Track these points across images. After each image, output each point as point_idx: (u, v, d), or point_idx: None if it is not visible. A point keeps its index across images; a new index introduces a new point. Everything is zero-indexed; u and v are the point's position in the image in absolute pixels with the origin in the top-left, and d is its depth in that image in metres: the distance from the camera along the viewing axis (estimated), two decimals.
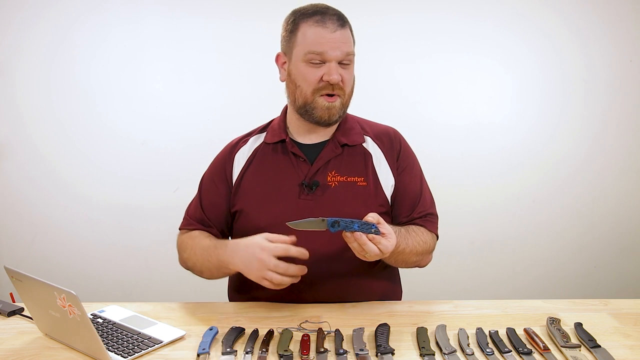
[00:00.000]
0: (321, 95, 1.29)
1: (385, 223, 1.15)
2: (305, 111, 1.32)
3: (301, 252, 1.19)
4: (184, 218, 1.47)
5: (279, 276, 1.16)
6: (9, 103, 2.48)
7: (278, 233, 1.29)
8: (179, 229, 1.47)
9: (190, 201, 1.49)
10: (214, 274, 1.33)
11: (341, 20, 1.29)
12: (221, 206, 1.41)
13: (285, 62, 1.35)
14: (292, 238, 1.19)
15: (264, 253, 1.17)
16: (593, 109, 2.51)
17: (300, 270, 1.19)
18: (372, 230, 1.12)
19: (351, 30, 1.33)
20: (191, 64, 2.48)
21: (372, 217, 1.14)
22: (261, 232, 1.31)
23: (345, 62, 1.29)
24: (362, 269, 1.33)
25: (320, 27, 1.27)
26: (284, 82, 1.37)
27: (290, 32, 1.31)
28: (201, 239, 1.36)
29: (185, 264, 1.40)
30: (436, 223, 1.41)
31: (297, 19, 1.31)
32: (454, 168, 2.52)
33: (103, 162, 2.51)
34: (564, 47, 2.47)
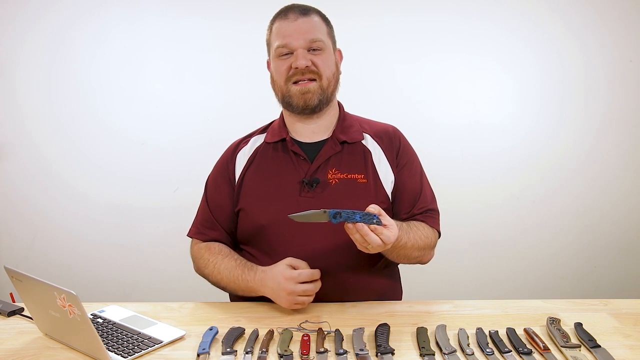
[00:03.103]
0: (293, 83, 1.32)
1: (387, 215, 1.15)
2: (287, 103, 1.36)
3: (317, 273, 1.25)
4: (193, 225, 1.47)
5: (308, 297, 1.23)
6: (9, 103, 2.48)
7: (279, 230, 1.31)
8: (189, 237, 1.47)
9: (197, 206, 1.49)
10: (239, 293, 1.34)
11: (304, 10, 1.33)
12: (227, 207, 1.41)
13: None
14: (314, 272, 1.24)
15: (289, 283, 1.21)
16: (593, 109, 2.51)
17: (318, 284, 1.25)
18: (374, 221, 1.11)
19: (325, 20, 1.36)
20: (191, 64, 2.48)
21: (374, 208, 1.13)
22: (263, 230, 1.34)
23: (315, 48, 1.31)
24: (362, 266, 1.33)
25: (282, 21, 1.33)
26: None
27: (268, 35, 1.38)
28: (224, 258, 1.35)
29: (203, 275, 1.40)
30: (437, 219, 1.42)
31: (272, 22, 1.37)
32: (454, 168, 2.52)
33: (103, 162, 2.51)
34: (564, 47, 2.47)
